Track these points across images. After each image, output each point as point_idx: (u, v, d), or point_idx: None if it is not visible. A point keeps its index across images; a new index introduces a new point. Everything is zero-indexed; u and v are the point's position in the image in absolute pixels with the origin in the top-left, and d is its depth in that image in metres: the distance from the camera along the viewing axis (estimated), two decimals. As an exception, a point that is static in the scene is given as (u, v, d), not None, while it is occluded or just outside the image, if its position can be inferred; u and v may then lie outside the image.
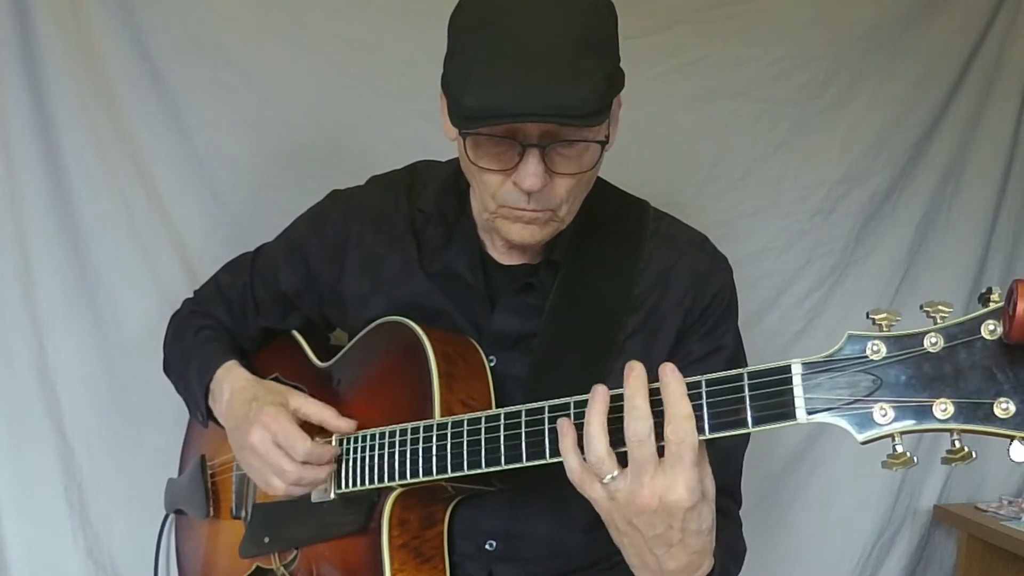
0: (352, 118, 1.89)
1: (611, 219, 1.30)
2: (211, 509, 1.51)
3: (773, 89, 2.06)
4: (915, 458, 0.84)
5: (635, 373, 0.93)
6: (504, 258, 1.29)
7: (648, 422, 0.91)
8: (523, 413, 1.05)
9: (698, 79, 2.03)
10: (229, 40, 1.82)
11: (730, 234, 2.02)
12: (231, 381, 1.34)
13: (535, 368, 1.23)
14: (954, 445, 0.82)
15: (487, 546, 1.26)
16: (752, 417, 0.90)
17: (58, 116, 1.74)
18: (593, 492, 0.96)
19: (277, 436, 1.21)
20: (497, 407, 1.20)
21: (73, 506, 1.79)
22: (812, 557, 2.19)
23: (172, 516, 1.70)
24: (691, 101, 2.04)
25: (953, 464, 0.82)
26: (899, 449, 0.84)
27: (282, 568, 1.35)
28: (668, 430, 0.91)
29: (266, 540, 1.38)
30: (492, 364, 1.25)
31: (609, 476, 0.93)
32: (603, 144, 1.12)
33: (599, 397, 0.95)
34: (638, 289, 1.26)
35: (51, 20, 1.71)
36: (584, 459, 0.95)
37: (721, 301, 1.28)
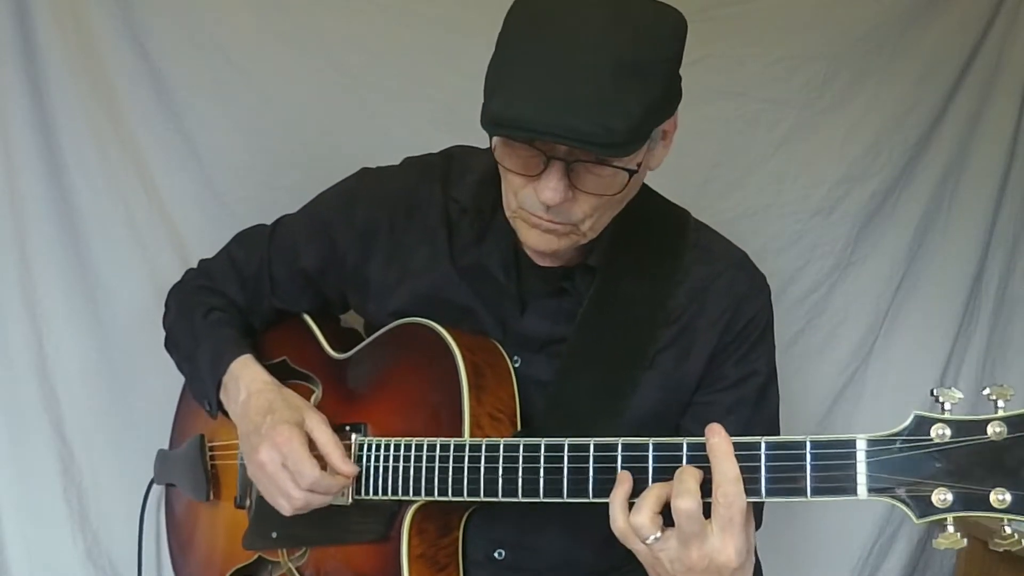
0: (352, 118, 1.88)
1: (651, 227, 1.27)
2: (211, 493, 1.49)
3: (773, 89, 2.06)
4: (965, 540, 0.86)
5: (714, 441, 0.93)
6: (539, 258, 1.24)
7: (696, 499, 0.91)
8: (566, 447, 1.03)
9: (698, 79, 2.02)
10: (229, 40, 1.81)
11: (730, 234, 1.99)
12: (248, 381, 1.31)
13: (562, 374, 1.21)
14: (1004, 531, 0.84)
15: (496, 554, 1.25)
16: (811, 488, 0.90)
17: (58, 116, 1.74)
18: (635, 546, 0.96)
19: (287, 459, 1.19)
20: (520, 412, 1.19)
21: (72, 507, 1.79)
22: (812, 557, 2.18)
23: (156, 488, 1.69)
24: (691, 101, 2.03)
25: (1001, 549, 0.84)
26: (950, 530, 0.86)
27: (289, 564, 1.34)
28: (718, 493, 0.91)
29: (273, 535, 1.35)
30: (516, 365, 1.23)
31: (653, 538, 0.94)
32: (632, 173, 1.08)
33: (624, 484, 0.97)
34: (673, 302, 1.23)
35: (51, 20, 1.71)
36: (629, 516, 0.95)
37: (757, 324, 1.25)
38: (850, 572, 2.20)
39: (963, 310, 2.21)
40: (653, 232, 1.27)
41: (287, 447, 1.18)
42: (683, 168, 2.03)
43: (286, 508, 1.21)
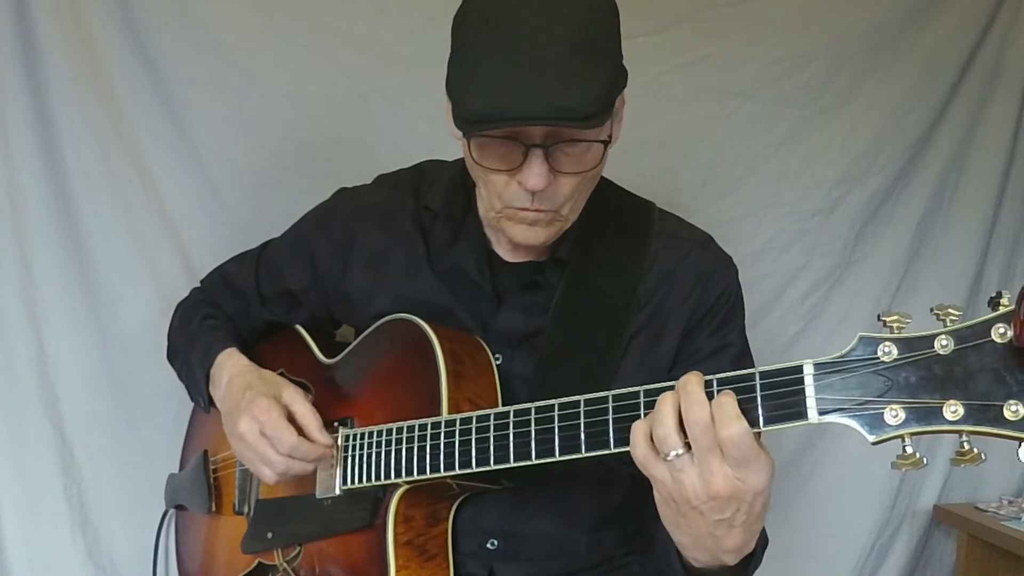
0: (352, 118, 1.89)
1: (616, 218, 1.31)
2: (213, 504, 1.51)
3: (773, 89, 2.06)
4: (924, 459, 0.85)
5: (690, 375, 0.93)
6: (510, 255, 1.30)
7: (707, 409, 0.89)
8: (532, 411, 1.06)
9: (698, 79, 2.03)
10: (229, 40, 1.81)
11: (730, 234, 2.01)
12: (230, 367, 1.37)
13: (541, 367, 1.24)
14: (963, 447, 0.83)
15: (489, 545, 1.27)
16: (764, 417, 0.90)
17: (58, 116, 1.74)
18: (656, 471, 0.94)
19: (264, 427, 1.23)
20: (503, 406, 1.21)
21: (73, 506, 1.78)
22: (811, 557, 2.18)
23: (172, 512, 1.70)
24: (691, 101, 2.04)
25: (962, 465, 0.83)
26: (908, 450, 0.85)
27: (284, 564, 1.35)
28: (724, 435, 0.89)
29: (269, 536, 1.38)
30: (498, 362, 1.26)
31: (674, 453, 0.91)
32: (606, 143, 1.13)
33: (670, 396, 0.93)
34: (643, 287, 1.27)
35: (51, 20, 1.71)
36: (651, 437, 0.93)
37: (726, 300, 1.29)
38: (850, 572, 2.20)
39: (964, 311, 2.20)
40: (619, 223, 1.31)
41: (264, 416, 1.23)
42: (682, 168, 2.05)
43: (269, 475, 1.25)
